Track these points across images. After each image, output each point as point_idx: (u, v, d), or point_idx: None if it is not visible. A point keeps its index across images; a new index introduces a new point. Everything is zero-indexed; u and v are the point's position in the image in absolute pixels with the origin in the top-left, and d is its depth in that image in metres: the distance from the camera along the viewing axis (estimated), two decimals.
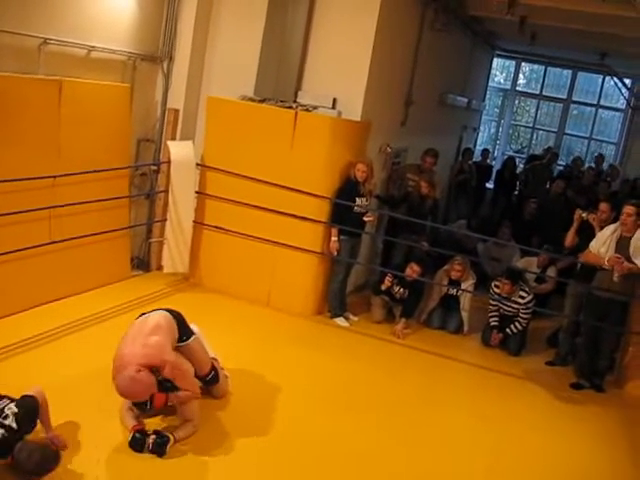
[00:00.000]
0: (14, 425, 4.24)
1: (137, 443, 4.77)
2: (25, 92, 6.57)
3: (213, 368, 5.46)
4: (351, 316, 8.13)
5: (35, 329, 6.25)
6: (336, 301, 8.04)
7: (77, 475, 4.43)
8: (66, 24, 7.01)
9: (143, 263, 8.64)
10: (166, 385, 4.79)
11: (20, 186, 6.40)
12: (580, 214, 7.51)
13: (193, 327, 5.41)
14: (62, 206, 6.89)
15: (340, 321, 7.96)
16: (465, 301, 8.25)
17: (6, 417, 4.26)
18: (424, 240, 8.60)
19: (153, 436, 4.81)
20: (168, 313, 5.15)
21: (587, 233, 7.33)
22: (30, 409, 4.41)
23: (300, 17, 8.05)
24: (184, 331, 5.18)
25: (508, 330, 7.92)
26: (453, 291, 8.25)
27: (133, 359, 4.59)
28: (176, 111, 8.43)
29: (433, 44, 9.78)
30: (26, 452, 4.19)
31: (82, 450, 4.67)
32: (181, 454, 4.83)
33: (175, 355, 4.90)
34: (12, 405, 4.35)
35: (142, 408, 4.95)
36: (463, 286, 8.18)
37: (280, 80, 8.15)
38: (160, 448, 4.76)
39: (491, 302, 8.08)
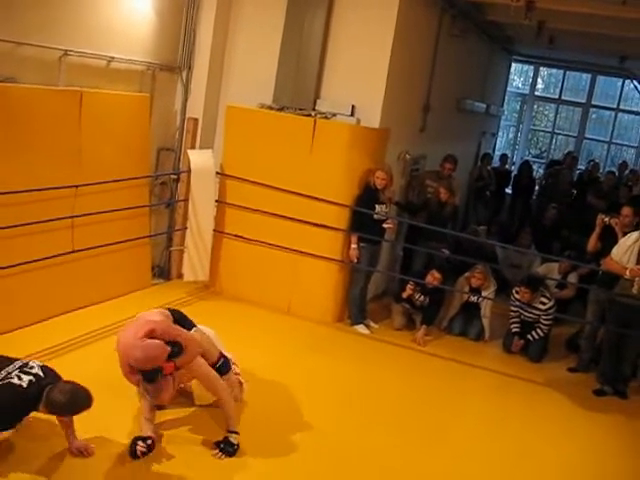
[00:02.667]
0: (41, 373, 4.33)
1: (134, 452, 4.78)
2: (46, 103, 6.63)
3: (223, 356, 5.44)
4: (371, 323, 8.11)
5: (57, 338, 6.27)
6: (356, 308, 8.02)
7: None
8: (86, 36, 7.07)
9: (163, 272, 8.68)
10: (173, 351, 4.79)
11: (42, 195, 6.45)
12: (602, 218, 7.46)
13: (205, 328, 5.46)
14: (83, 215, 6.93)
15: (360, 328, 7.95)
16: (486, 308, 8.20)
17: (32, 367, 4.37)
18: (444, 247, 8.57)
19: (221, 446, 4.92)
20: (166, 310, 5.23)
21: (609, 238, 7.27)
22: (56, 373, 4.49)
23: (318, 25, 8.06)
24: (184, 324, 5.22)
25: (529, 336, 7.87)
26: (474, 298, 8.21)
27: (133, 337, 4.72)
28: (195, 120, 8.47)
29: (451, 50, 9.77)
30: (58, 390, 4.24)
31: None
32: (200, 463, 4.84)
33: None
34: (37, 362, 4.48)
35: (154, 379, 4.82)
36: (484, 294, 8.14)
37: (298, 88, 8.17)
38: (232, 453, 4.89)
39: (512, 308, 8.03)
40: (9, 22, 6.20)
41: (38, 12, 6.51)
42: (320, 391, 6.27)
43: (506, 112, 17.06)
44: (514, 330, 7.97)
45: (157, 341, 4.69)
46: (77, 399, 4.29)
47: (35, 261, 6.44)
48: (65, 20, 6.82)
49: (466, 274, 8.25)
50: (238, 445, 4.97)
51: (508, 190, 14.29)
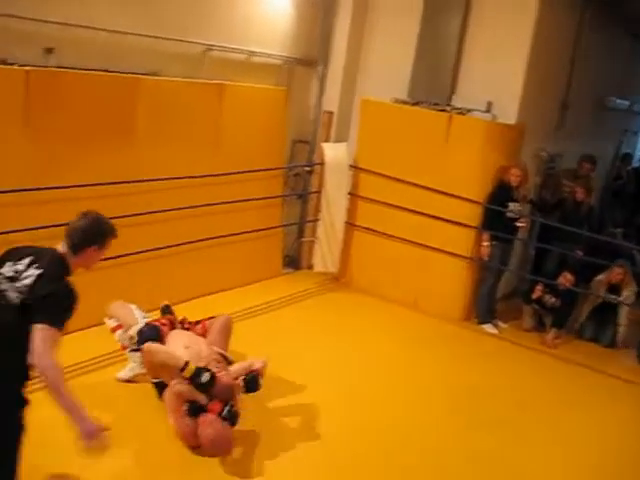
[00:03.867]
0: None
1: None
2: (189, 95, 6.91)
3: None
4: (500, 323, 7.98)
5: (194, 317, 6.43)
6: (484, 307, 7.92)
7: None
8: (228, 31, 7.33)
9: (294, 261, 8.85)
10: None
11: (183, 183, 6.75)
12: None
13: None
14: (220, 204, 7.19)
15: (488, 328, 7.84)
16: (622, 314, 7.90)
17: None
18: (579, 248, 8.31)
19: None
20: None
21: None
22: None
23: (455, 19, 7.99)
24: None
25: None
26: (611, 298, 7.91)
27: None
28: (330, 113, 8.59)
29: (592, 45, 9.42)
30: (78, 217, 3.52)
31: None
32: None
33: None
34: None
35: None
36: (624, 293, 7.84)
37: (434, 83, 8.14)
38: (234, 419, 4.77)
39: None
40: (156, 19, 6.53)
41: (183, 9, 6.82)
42: (438, 387, 6.25)
43: None
44: None
45: None
46: (99, 224, 3.53)
47: (172, 246, 6.75)
48: (209, 17, 7.10)
49: (600, 277, 7.96)
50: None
51: None
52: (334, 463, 4.80)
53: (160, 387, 5.00)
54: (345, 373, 6.18)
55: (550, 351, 7.51)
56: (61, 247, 3.40)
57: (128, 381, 5.36)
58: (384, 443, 5.14)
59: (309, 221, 8.65)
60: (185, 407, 4.72)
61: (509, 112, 7.85)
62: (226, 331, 5.53)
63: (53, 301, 3.14)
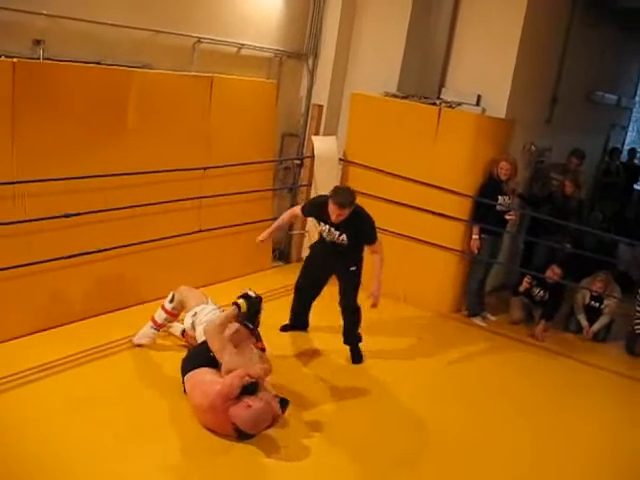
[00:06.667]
0: None
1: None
2: (179, 88, 6.90)
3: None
4: (489, 316, 8.03)
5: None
6: (474, 300, 7.96)
7: None
8: (218, 24, 7.33)
9: (284, 255, 8.86)
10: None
11: (173, 176, 6.75)
12: None
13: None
14: (210, 197, 7.20)
15: (477, 320, 7.88)
16: (603, 321, 7.98)
17: None
18: (567, 241, 8.35)
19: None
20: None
21: None
22: None
23: (445, 13, 8.02)
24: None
25: None
26: (595, 304, 7.99)
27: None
28: (320, 107, 8.59)
29: (581, 40, 9.45)
30: None
31: None
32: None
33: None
34: None
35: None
36: (605, 302, 7.93)
37: (423, 76, 8.16)
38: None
39: (637, 309, 7.74)
40: (147, 12, 6.52)
41: (174, 2, 6.82)
42: (428, 379, 6.31)
43: (638, 104, 16.33)
44: (639, 331, 7.69)
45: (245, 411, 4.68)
46: None
47: (162, 239, 6.74)
48: (199, 9, 7.09)
49: (584, 281, 8.03)
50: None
51: (637, 186, 13.77)
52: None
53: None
54: (333, 366, 6.24)
55: (538, 343, 7.56)
56: None
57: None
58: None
59: None
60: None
61: (499, 106, 7.89)
62: None
63: None
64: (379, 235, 6.06)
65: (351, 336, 6.35)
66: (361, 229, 5.91)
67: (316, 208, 6.00)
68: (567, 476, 5.14)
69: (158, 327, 5.86)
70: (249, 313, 5.20)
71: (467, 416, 5.72)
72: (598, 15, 9.49)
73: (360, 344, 6.38)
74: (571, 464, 5.28)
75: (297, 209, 6.35)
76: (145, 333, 5.87)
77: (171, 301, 5.77)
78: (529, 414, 5.95)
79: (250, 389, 4.71)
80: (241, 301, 5.19)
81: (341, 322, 6.35)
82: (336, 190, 5.90)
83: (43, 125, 5.68)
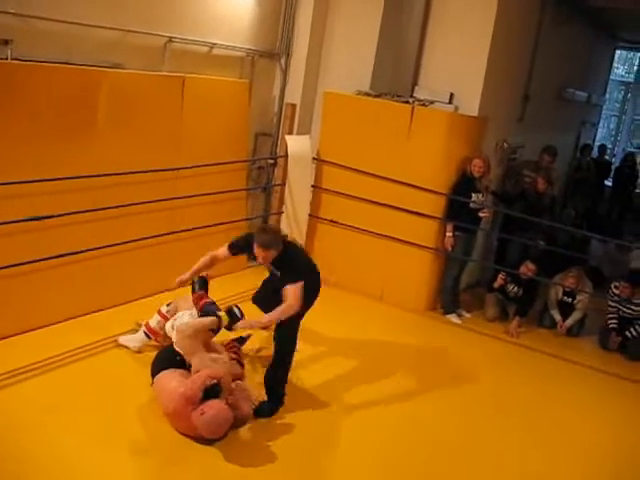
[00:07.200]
0: None
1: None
2: (150, 88, 6.84)
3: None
4: (464, 313, 8.06)
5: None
6: (449, 297, 7.98)
7: None
8: (190, 23, 7.27)
9: None
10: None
11: (145, 178, 6.68)
12: None
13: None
14: (183, 197, 7.14)
15: (452, 318, 7.91)
16: (576, 316, 8.03)
17: None
18: (540, 238, 8.40)
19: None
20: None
21: None
22: None
23: (417, 12, 8.02)
24: None
25: (627, 333, 7.66)
26: (568, 300, 8.05)
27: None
28: (293, 106, 8.57)
29: (553, 37, 9.53)
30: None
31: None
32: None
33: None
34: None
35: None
36: (578, 297, 7.99)
37: (396, 75, 8.16)
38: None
39: (610, 304, 7.82)
40: (118, 11, 6.44)
41: (145, 1, 6.75)
42: (407, 378, 6.29)
43: (608, 101, 16.51)
44: (612, 326, 7.77)
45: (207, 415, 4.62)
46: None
47: (135, 240, 6.67)
48: (170, 8, 7.04)
49: (557, 277, 8.08)
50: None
51: (608, 182, 13.91)
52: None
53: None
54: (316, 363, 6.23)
55: (513, 340, 7.60)
56: None
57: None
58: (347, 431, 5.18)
59: (273, 214, 8.61)
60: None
61: (471, 104, 7.92)
62: None
63: None
64: (296, 288, 5.08)
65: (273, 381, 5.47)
66: (288, 270, 5.21)
67: (248, 246, 5.29)
68: (545, 466, 5.19)
69: (151, 335, 5.79)
70: (227, 328, 5.13)
71: (442, 412, 5.75)
72: (569, 12, 9.57)
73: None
74: (545, 455, 5.32)
75: (220, 251, 5.57)
76: (136, 337, 5.81)
77: (167, 305, 5.79)
78: (505, 408, 6.00)
79: (213, 392, 4.68)
80: (223, 314, 5.10)
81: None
82: (261, 229, 5.48)
83: (11, 126, 5.59)
